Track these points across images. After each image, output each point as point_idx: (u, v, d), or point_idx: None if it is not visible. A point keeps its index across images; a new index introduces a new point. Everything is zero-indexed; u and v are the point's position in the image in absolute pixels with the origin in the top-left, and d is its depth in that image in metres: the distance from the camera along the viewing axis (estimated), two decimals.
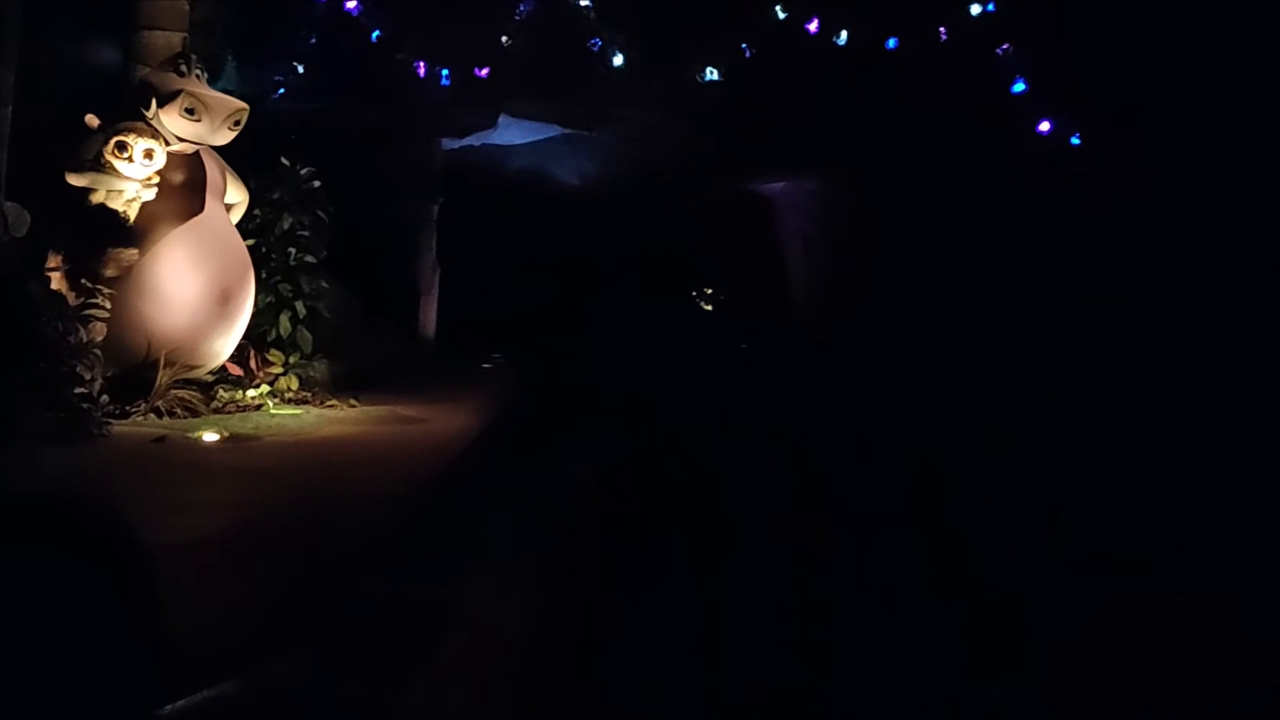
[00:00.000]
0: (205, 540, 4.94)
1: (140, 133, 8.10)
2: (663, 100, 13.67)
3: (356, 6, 12.08)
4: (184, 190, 8.65)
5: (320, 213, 10.31)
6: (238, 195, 9.41)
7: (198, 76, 8.83)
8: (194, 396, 8.62)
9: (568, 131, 15.07)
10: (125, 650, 1.60)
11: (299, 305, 10.07)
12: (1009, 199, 13.18)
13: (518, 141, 15.19)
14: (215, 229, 8.76)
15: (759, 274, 19.02)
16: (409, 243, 13.90)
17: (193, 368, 8.71)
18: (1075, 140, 12.24)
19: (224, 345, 8.89)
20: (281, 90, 11.96)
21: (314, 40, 11.96)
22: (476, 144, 14.79)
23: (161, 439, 7.58)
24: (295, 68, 11.97)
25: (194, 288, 8.48)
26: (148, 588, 1.68)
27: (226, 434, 7.97)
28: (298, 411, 9.34)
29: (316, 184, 10.22)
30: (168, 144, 8.43)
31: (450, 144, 14.55)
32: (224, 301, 8.66)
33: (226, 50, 11.30)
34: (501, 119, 14.19)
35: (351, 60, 12.19)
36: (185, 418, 8.43)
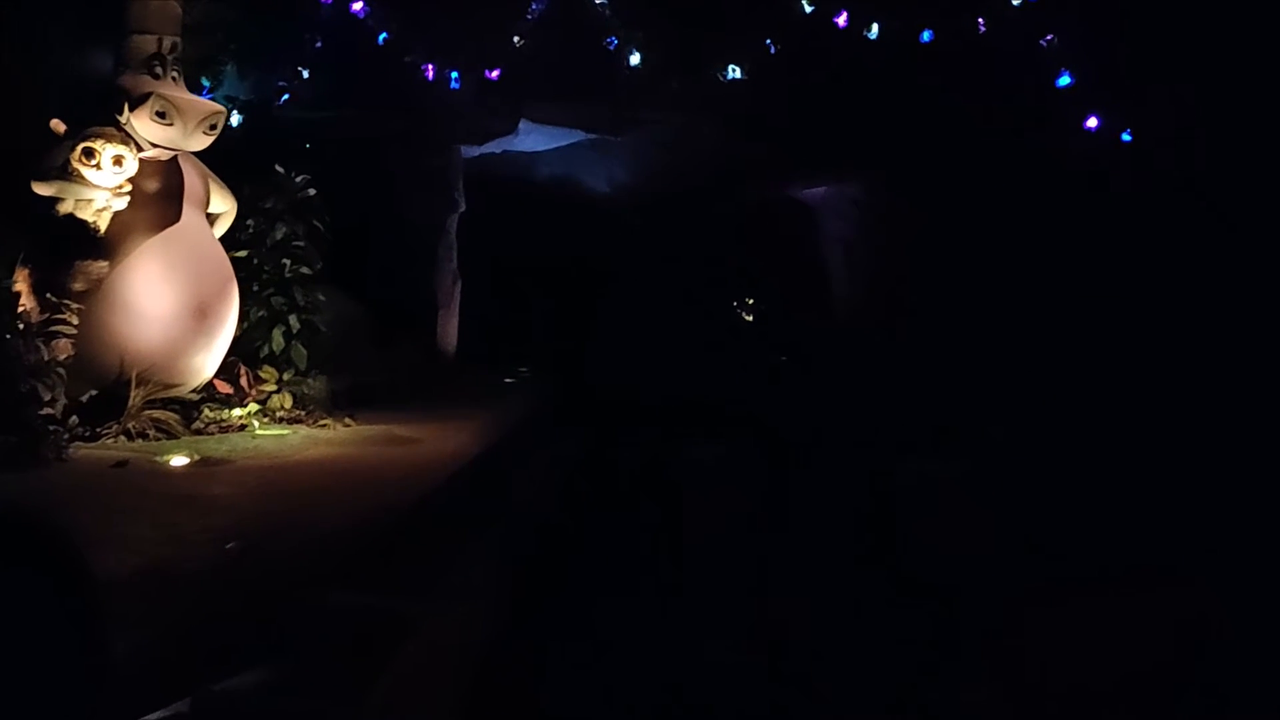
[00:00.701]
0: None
1: (109, 138, 7.65)
2: (690, 102, 13.04)
3: (363, 8, 11.61)
4: (159, 199, 8.20)
5: (316, 222, 9.80)
6: (223, 204, 8.95)
7: (174, 79, 8.37)
8: (170, 417, 8.14)
9: (594, 137, 14.51)
10: (66, 663, 1.63)
11: (293, 319, 9.59)
12: (1055, 202, 12.40)
13: (541, 148, 14.66)
14: (193, 239, 8.29)
15: (799, 283, 18.33)
16: (427, 253, 13.41)
17: (171, 386, 8.24)
18: (1126, 137, 11.42)
19: (204, 362, 8.41)
20: (286, 96, 11.51)
21: (319, 44, 11.49)
22: (498, 151, 14.27)
23: (123, 463, 7.10)
24: (300, 73, 11.50)
25: (168, 302, 8.01)
26: (88, 603, 1.69)
27: (196, 457, 7.48)
28: (285, 432, 8.83)
29: (312, 192, 9.74)
30: (140, 150, 7.96)
31: (470, 151, 14.06)
32: (201, 316, 8.18)
33: (226, 55, 10.91)
34: (522, 124, 13.66)
35: (359, 64, 11.73)
36: (159, 440, 7.96)
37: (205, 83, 10.71)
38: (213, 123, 8.35)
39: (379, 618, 4.56)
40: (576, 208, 16.54)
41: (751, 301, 20.02)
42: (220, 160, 9.85)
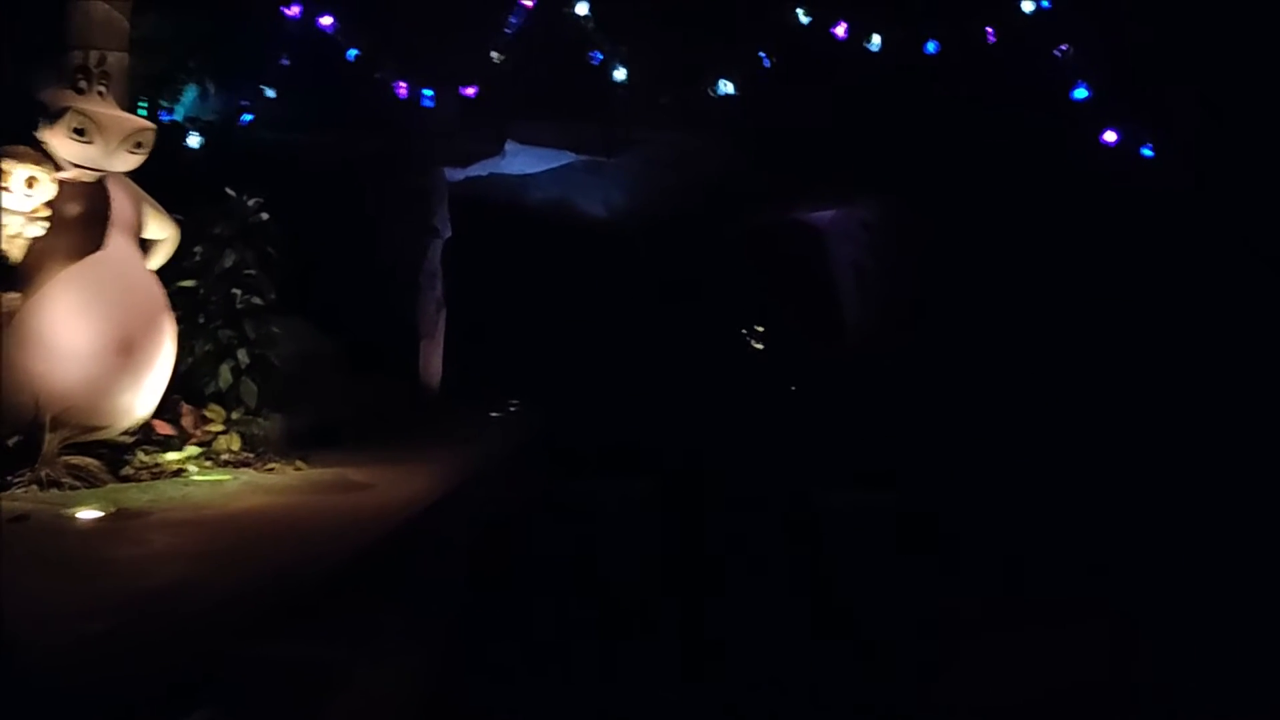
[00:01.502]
0: None
1: (20, 158, 6.99)
2: (684, 120, 12.31)
3: (332, 23, 10.95)
4: (82, 224, 7.52)
5: (270, 249, 9.12)
6: (161, 231, 8.27)
7: (101, 94, 7.70)
8: (92, 464, 7.43)
9: (586, 158, 13.82)
10: None
11: (242, 354, 8.89)
12: (1076, 221, 11.59)
13: (531, 170, 13.97)
14: (118, 269, 7.60)
15: (809, 310, 17.57)
16: (407, 281, 12.72)
17: (94, 429, 7.53)
18: (1147, 152, 10.58)
19: (132, 402, 7.70)
20: (249, 116, 10.85)
21: (285, 61, 10.83)
22: (484, 174, 13.59)
23: (22, 518, 6.37)
24: (264, 91, 10.84)
25: (87, 336, 7.31)
26: None
27: (111, 509, 6.74)
28: (225, 477, 8.11)
29: (265, 216, 9.05)
30: (59, 170, 7.29)
31: (455, 174, 13.40)
32: (126, 351, 7.47)
33: (185, 73, 10.28)
34: (509, 145, 12.99)
35: (331, 83, 11.08)
36: (77, 489, 7.24)
37: (162, 103, 10.03)
38: (139, 140, 7.68)
39: (311, 669, 4.39)
40: (572, 233, 15.84)
41: (761, 331, 19.28)
42: (178, 184, 9.23)
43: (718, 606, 3.61)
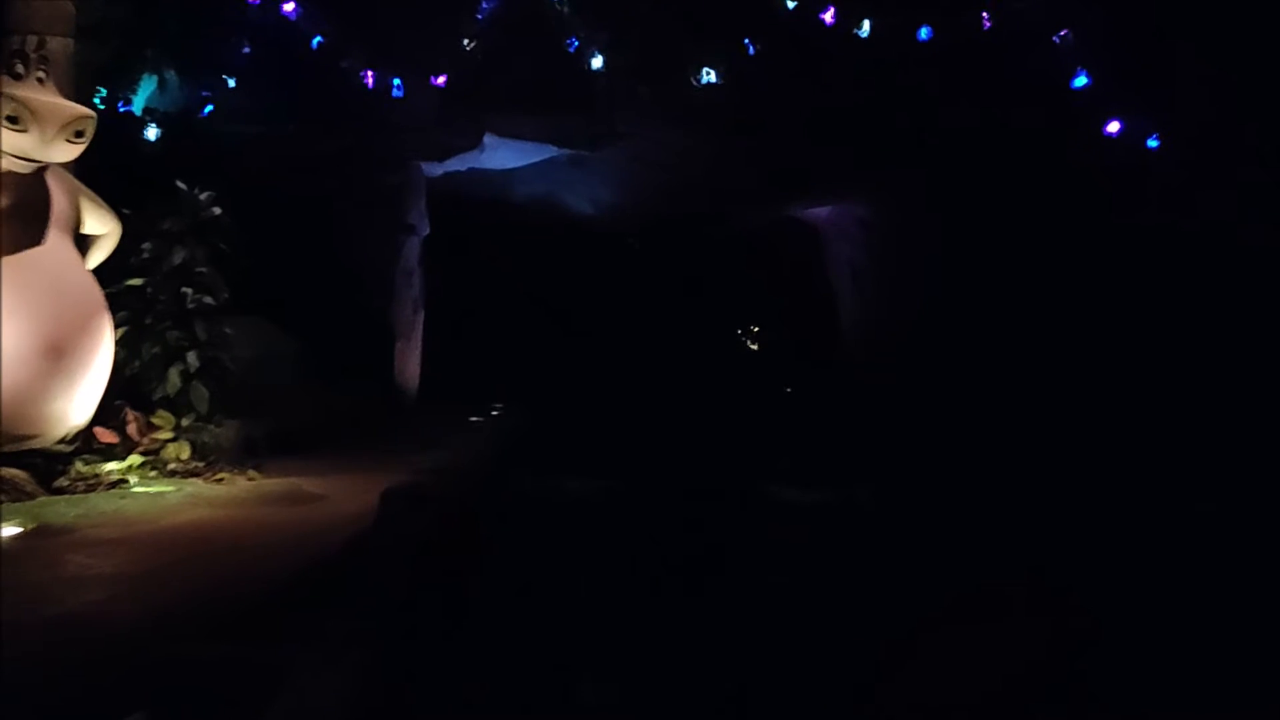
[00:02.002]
0: None
1: None
2: (670, 113, 11.81)
3: (295, 9, 10.46)
4: (14, 219, 7.02)
5: (223, 245, 8.62)
6: (101, 226, 7.77)
7: (40, 80, 7.20)
8: (18, 475, 6.93)
9: (570, 153, 13.32)
10: None
11: (192, 356, 8.38)
12: (1085, 216, 11.06)
13: (512, 165, 13.46)
14: (49, 267, 7.10)
15: (806, 311, 17.07)
16: (381, 281, 12.21)
17: (24, 437, 7.03)
18: (1153, 143, 10.05)
19: (66, 408, 7.20)
20: (210, 107, 10.36)
21: (248, 49, 10.33)
22: (463, 169, 13.10)
23: None
24: (225, 81, 10.35)
25: (12, 339, 6.81)
26: None
27: (31, 526, 6.25)
28: (168, 489, 7.61)
29: (217, 211, 8.55)
30: None
31: (433, 170, 12.91)
32: (57, 355, 6.97)
33: (140, 61, 9.80)
34: (488, 139, 12.49)
35: (298, 73, 10.59)
36: (3, 501, 6.74)
37: (119, 94, 9.55)
38: (79, 129, 7.19)
39: (247, 670, 4.13)
40: (560, 231, 15.35)
41: (757, 332, 18.80)
42: (134, 178, 8.77)
43: (651, 605, 3.40)
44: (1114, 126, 10.12)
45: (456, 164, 12.90)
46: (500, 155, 13.05)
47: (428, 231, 13.26)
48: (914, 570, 4.21)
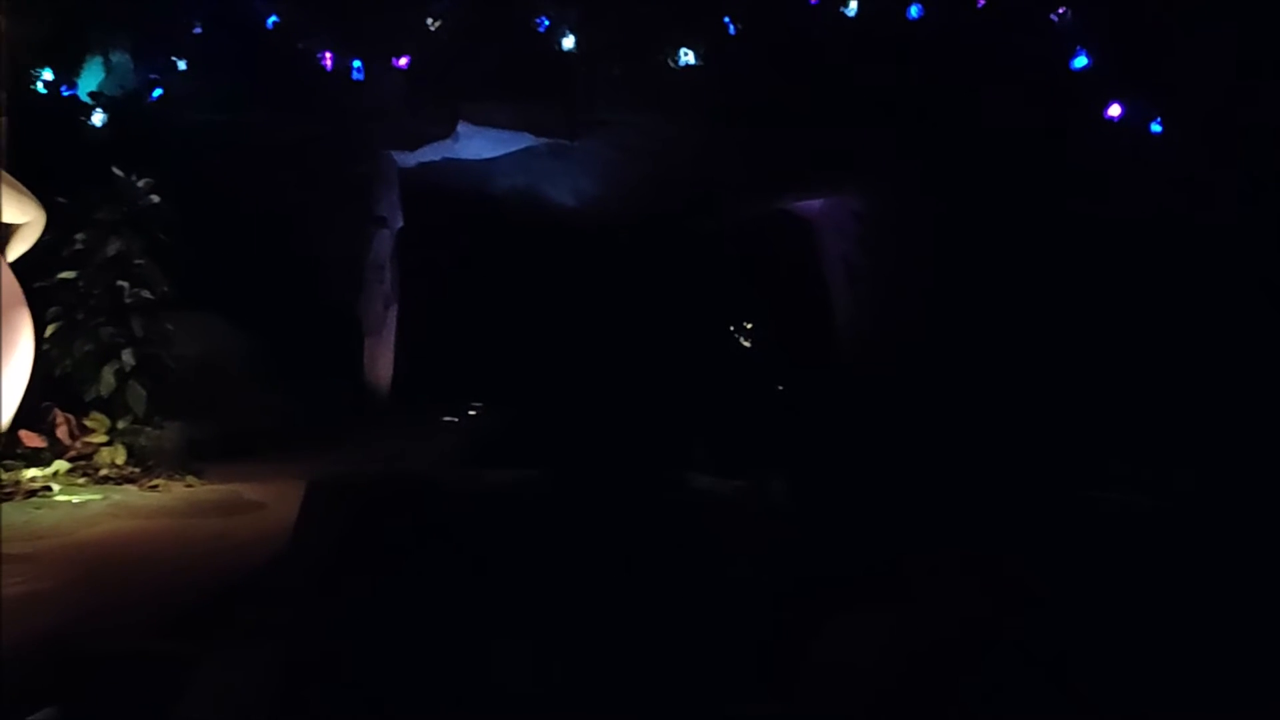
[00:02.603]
0: None
1: None
2: (651, 99, 11.25)
3: None
4: None
5: (163, 235, 8.08)
6: (21, 214, 7.18)
7: None
8: None
9: (549, 142, 12.76)
10: None
11: (127, 354, 7.85)
12: (1081, 207, 10.48)
13: (489, 154, 12.89)
14: None
15: (798, 307, 16.47)
16: (348, 275, 11.65)
17: None
18: (1156, 127, 9.46)
19: None
20: (159, 91, 9.82)
21: (198, 29, 9.80)
22: (437, 158, 12.55)
23: None
24: (175, 63, 9.81)
25: None
26: None
27: None
28: (93, 497, 7.09)
29: (155, 199, 8.01)
30: None
31: (406, 160, 12.36)
32: None
33: (80, 40, 9.27)
34: (461, 127, 11.93)
35: (254, 55, 10.05)
36: None
37: (47, 72, 9.01)
38: None
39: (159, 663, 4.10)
40: (541, 224, 14.75)
41: (750, 329, 18.23)
42: (77, 167, 8.25)
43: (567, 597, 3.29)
44: (1115, 110, 9.52)
45: (430, 154, 12.35)
46: (476, 144, 12.49)
47: (401, 224, 12.70)
48: (808, 557, 4.01)
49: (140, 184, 7.98)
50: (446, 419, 12.48)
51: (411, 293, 13.29)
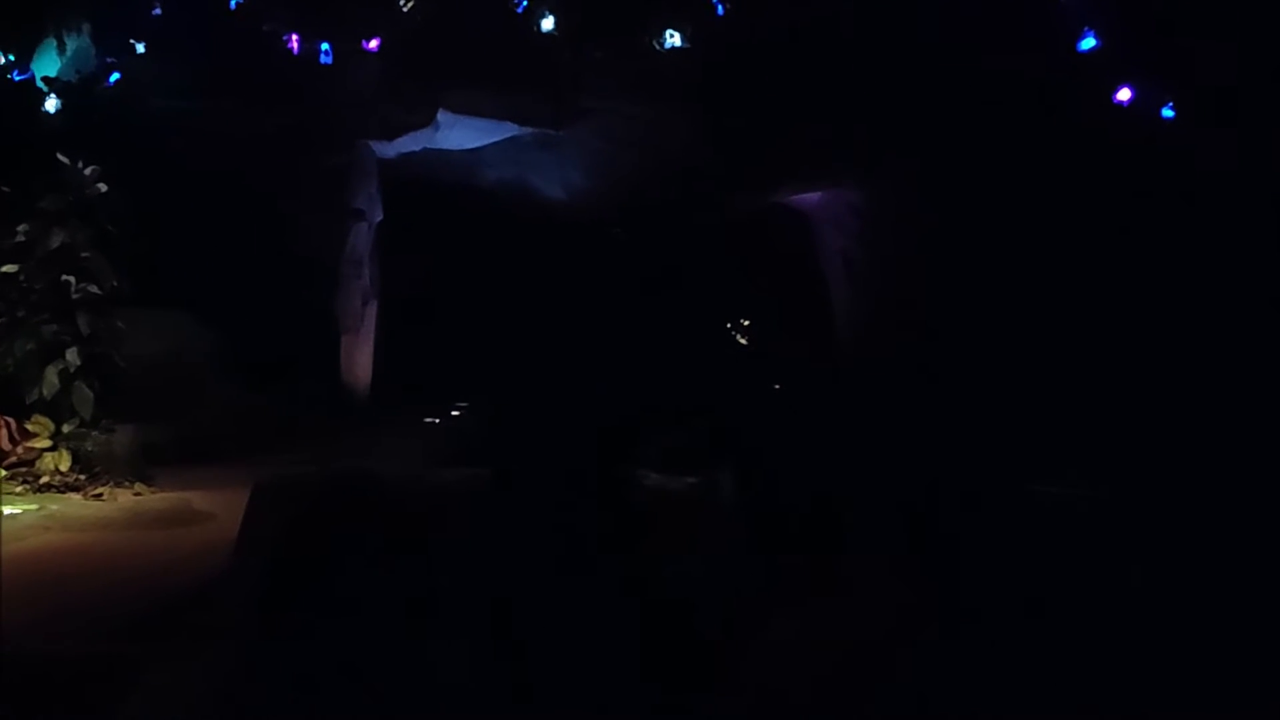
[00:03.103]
0: None
1: None
2: (638, 85, 10.76)
3: None
4: None
5: (111, 226, 7.60)
6: None
7: None
8: None
9: (535, 132, 12.27)
10: None
11: (72, 354, 7.37)
12: (1096, 196, 9.96)
13: (471, 145, 12.40)
14: None
15: (795, 303, 15.98)
16: (322, 270, 11.17)
17: None
18: (1168, 112, 8.94)
19: None
20: (116, 75, 9.34)
21: (158, 11, 9.31)
22: (418, 149, 12.06)
23: None
24: (133, 46, 9.32)
25: None
26: None
27: None
28: (27, 507, 6.61)
29: (102, 188, 7.53)
30: None
31: (385, 150, 11.87)
32: None
33: (34, 21, 8.79)
34: (442, 116, 11.45)
35: (213, 38, 9.56)
36: None
37: (10, 57, 8.54)
38: None
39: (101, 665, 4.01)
40: (530, 218, 14.25)
41: (747, 325, 17.75)
42: (29, 156, 7.80)
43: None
44: (1125, 94, 9.00)
45: (410, 144, 11.88)
46: (458, 134, 12.01)
47: (381, 218, 12.22)
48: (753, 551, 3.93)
49: (88, 172, 7.48)
50: (428, 420, 11.99)
51: (393, 289, 12.81)
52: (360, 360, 11.84)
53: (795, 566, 3.87)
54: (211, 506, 6.96)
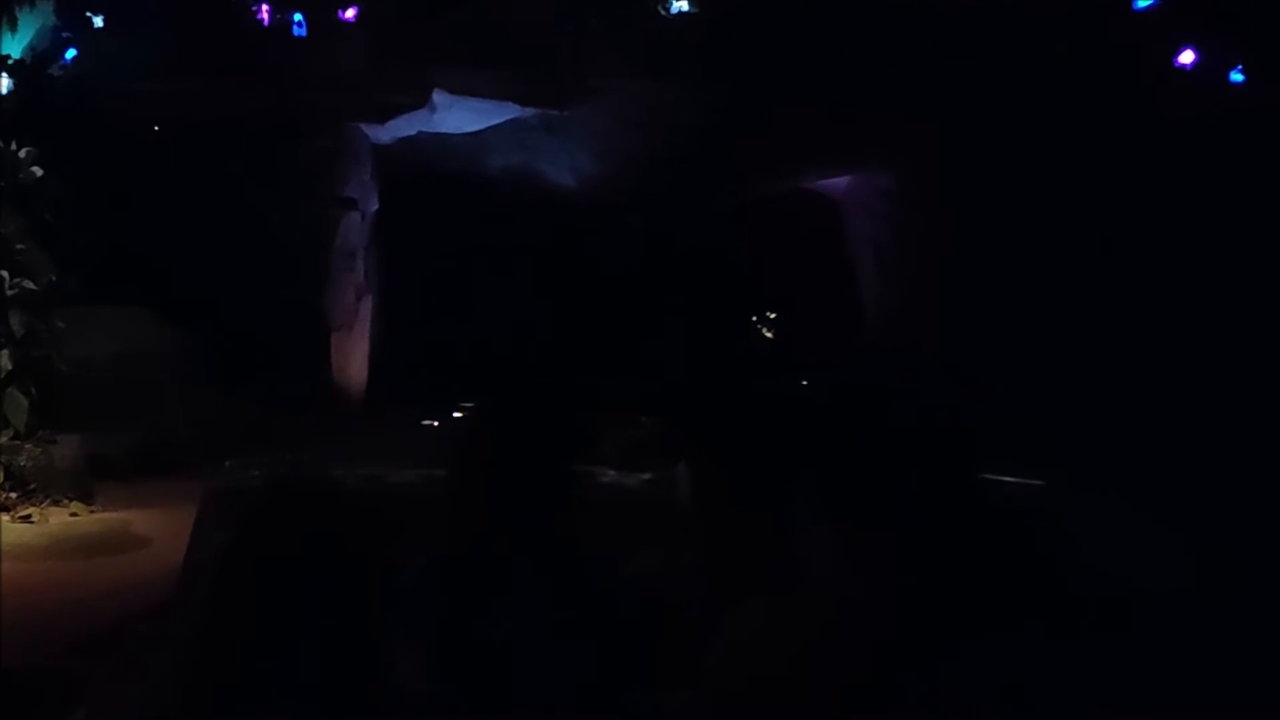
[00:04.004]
0: None
1: None
2: (647, 60, 9.92)
3: None
4: None
5: (50, 215, 6.84)
6: None
7: None
8: None
9: (538, 113, 11.45)
10: None
11: (4, 357, 6.61)
12: (1149, 177, 9.02)
13: (470, 128, 11.57)
14: None
15: (823, 296, 15.11)
16: (308, 264, 10.38)
17: None
18: (1237, 77, 7.97)
19: None
20: (72, 52, 8.57)
21: None
22: (413, 132, 11.26)
23: None
24: (90, 19, 8.55)
25: None
26: None
27: None
28: None
29: (38, 171, 6.76)
30: None
31: (378, 134, 11.09)
32: None
33: None
34: (437, 96, 10.63)
35: (179, 10, 8.78)
36: None
37: None
38: None
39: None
40: (538, 207, 13.43)
41: (773, 318, 16.91)
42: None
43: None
44: (1188, 57, 8.03)
45: (405, 127, 11.09)
46: (457, 117, 11.19)
47: (376, 207, 11.43)
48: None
49: (23, 154, 6.70)
50: (425, 422, 11.19)
51: (388, 283, 12.02)
52: (353, 360, 11.06)
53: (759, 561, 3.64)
54: (152, 529, 6.19)
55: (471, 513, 2.70)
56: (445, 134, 11.70)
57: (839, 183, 14.07)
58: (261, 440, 8.90)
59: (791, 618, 2.23)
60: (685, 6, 8.69)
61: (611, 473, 4.96)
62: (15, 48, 8.52)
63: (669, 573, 2.92)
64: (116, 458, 7.44)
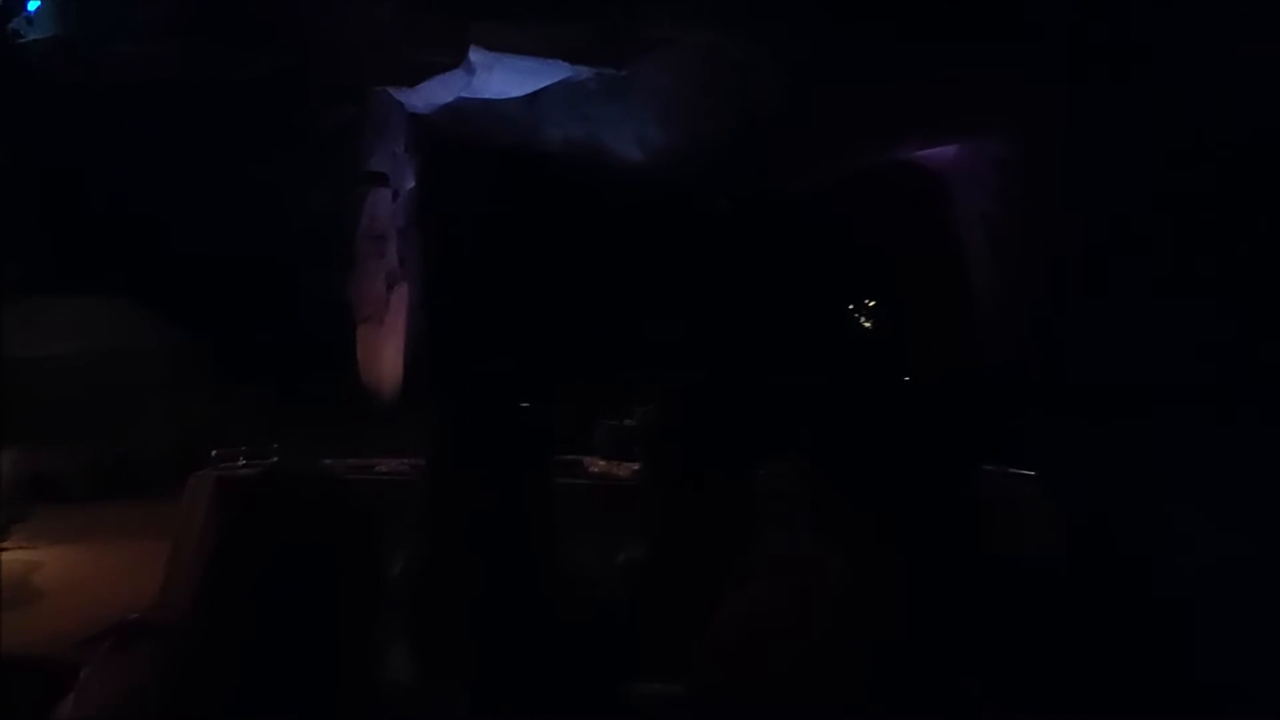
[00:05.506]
0: None
1: None
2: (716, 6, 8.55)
3: None
4: None
5: None
6: None
7: None
8: None
9: (596, 74, 10.12)
10: None
11: None
12: None
13: (515, 92, 10.27)
14: None
15: (926, 281, 13.60)
16: (332, 250, 9.21)
17: None
18: None
19: None
20: (36, 2, 7.46)
21: None
22: (451, 99, 10.00)
23: None
24: None
25: None
26: None
27: None
28: None
29: None
30: None
31: (413, 101, 9.87)
32: None
33: None
34: (474, 54, 9.36)
35: None
36: None
37: None
38: None
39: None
40: (603, 185, 12.08)
41: (872, 307, 15.57)
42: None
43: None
44: None
45: (441, 92, 9.84)
46: (500, 79, 9.90)
47: (413, 184, 10.21)
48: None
49: None
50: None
51: (429, 270, 10.82)
52: (385, 354, 9.86)
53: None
54: (70, 574, 4.99)
55: (452, 506, 2.53)
56: (491, 100, 10.42)
57: (945, 152, 12.64)
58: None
59: (794, 610, 2.19)
60: None
61: (602, 463, 5.02)
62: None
63: (660, 563, 2.92)
64: (67, 476, 6.30)
